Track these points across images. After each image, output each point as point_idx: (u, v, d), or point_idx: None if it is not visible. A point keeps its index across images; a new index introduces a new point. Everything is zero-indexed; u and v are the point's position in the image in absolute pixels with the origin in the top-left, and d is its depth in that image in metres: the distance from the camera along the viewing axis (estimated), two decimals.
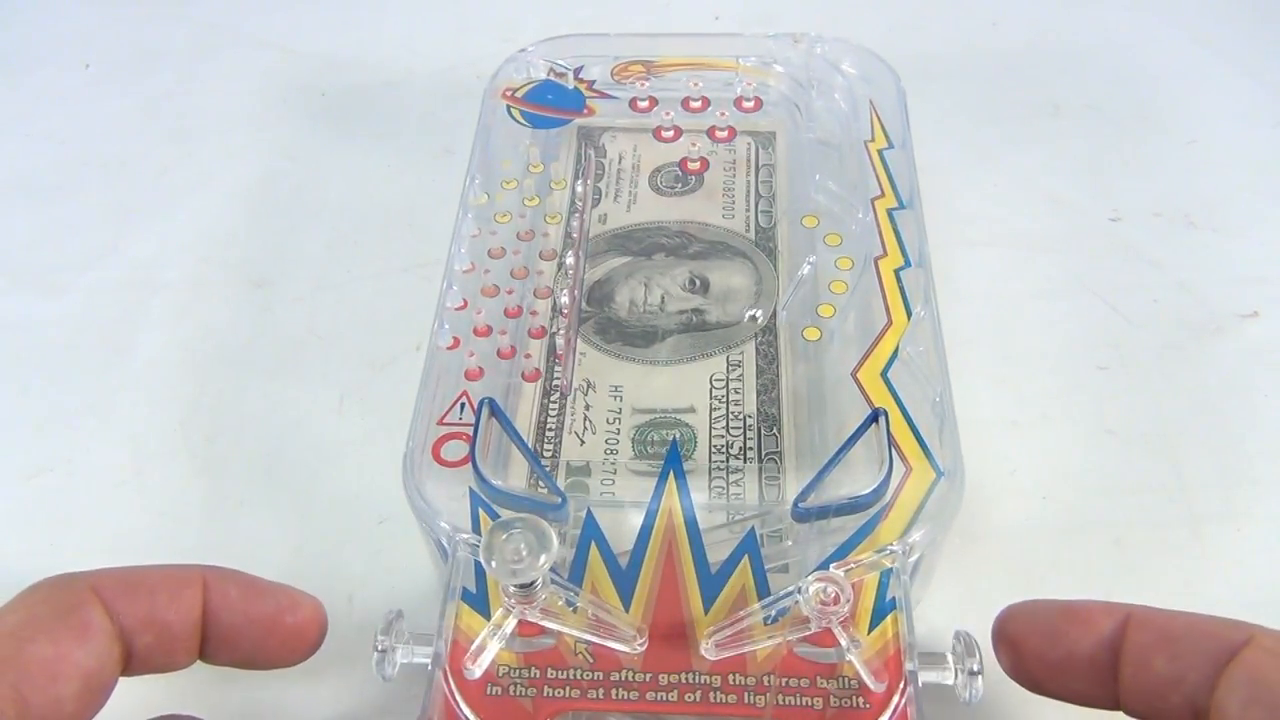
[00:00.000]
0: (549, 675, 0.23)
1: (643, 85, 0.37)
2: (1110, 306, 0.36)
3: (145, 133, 0.44)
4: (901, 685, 0.22)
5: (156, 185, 0.42)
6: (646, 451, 0.28)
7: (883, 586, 0.24)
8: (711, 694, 0.22)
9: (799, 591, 0.22)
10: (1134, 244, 0.38)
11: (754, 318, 0.29)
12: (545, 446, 0.28)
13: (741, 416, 0.28)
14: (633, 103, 0.37)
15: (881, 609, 0.23)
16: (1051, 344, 0.35)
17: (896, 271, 0.30)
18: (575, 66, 0.38)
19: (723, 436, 0.28)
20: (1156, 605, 0.21)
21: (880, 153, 0.34)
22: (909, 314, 0.29)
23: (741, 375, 0.29)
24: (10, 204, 0.42)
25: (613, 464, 0.27)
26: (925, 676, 0.22)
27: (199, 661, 0.22)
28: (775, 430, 0.28)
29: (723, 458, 0.27)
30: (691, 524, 0.25)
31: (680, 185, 0.35)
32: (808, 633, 0.23)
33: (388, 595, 0.29)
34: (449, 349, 0.29)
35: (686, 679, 0.23)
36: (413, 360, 0.31)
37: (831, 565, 0.24)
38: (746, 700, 0.22)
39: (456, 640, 0.23)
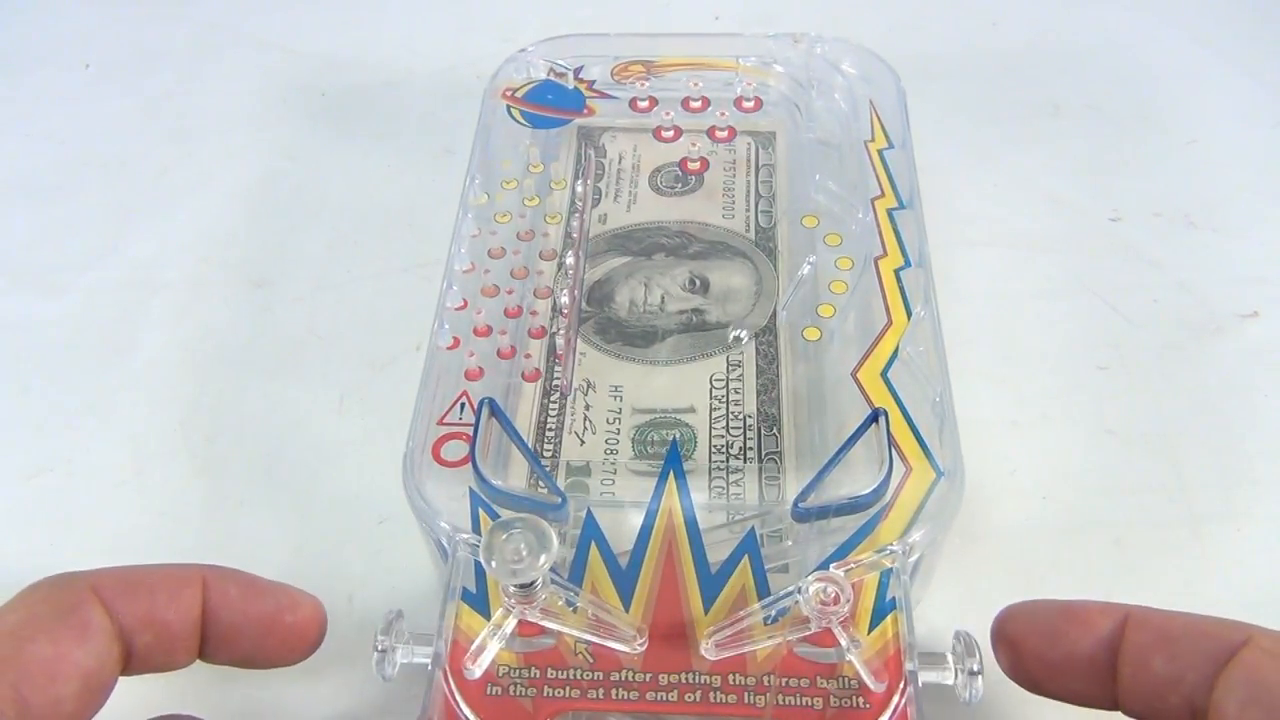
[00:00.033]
0: (549, 675, 0.23)
1: (643, 85, 0.37)
2: (1110, 306, 0.36)
3: (145, 133, 0.44)
4: (901, 685, 0.22)
5: (156, 185, 0.42)
6: (646, 451, 0.28)
7: (883, 586, 0.24)
8: (711, 694, 0.22)
9: (799, 591, 0.22)
10: (1134, 244, 0.38)
11: (739, 338, 0.29)
12: (545, 446, 0.28)
13: (741, 416, 0.28)
14: (633, 103, 0.37)
15: (881, 609, 0.23)
16: (1051, 344, 0.35)
17: (896, 271, 0.30)
18: (575, 66, 0.38)
19: (723, 436, 0.28)
20: (1156, 605, 0.21)
21: (880, 153, 0.34)
22: (909, 314, 0.29)
23: (741, 375, 0.29)
24: (10, 204, 0.42)
25: (613, 464, 0.27)
26: (925, 676, 0.22)
27: (199, 661, 0.22)
28: (775, 430, 0.28)
29: (723, 458, 0.27)
30: (691, 524, 0.25)
31: (680, 185, 0.35)
32: (808, 633, 0.23)
33: (388, 595, 0.29)
34: (449, 349, 0.29)
35: (686, 679, 0.23)
36: (413, 360, 0.31)
37: (831, 565, 0.24)
38: (746, 700, 0.22)
39: (456, 640, 0.23)
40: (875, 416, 0.26)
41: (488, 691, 0.23)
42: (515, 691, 0.23)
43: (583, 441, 0.28)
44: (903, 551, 0.24)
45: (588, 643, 0.23)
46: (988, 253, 0.38)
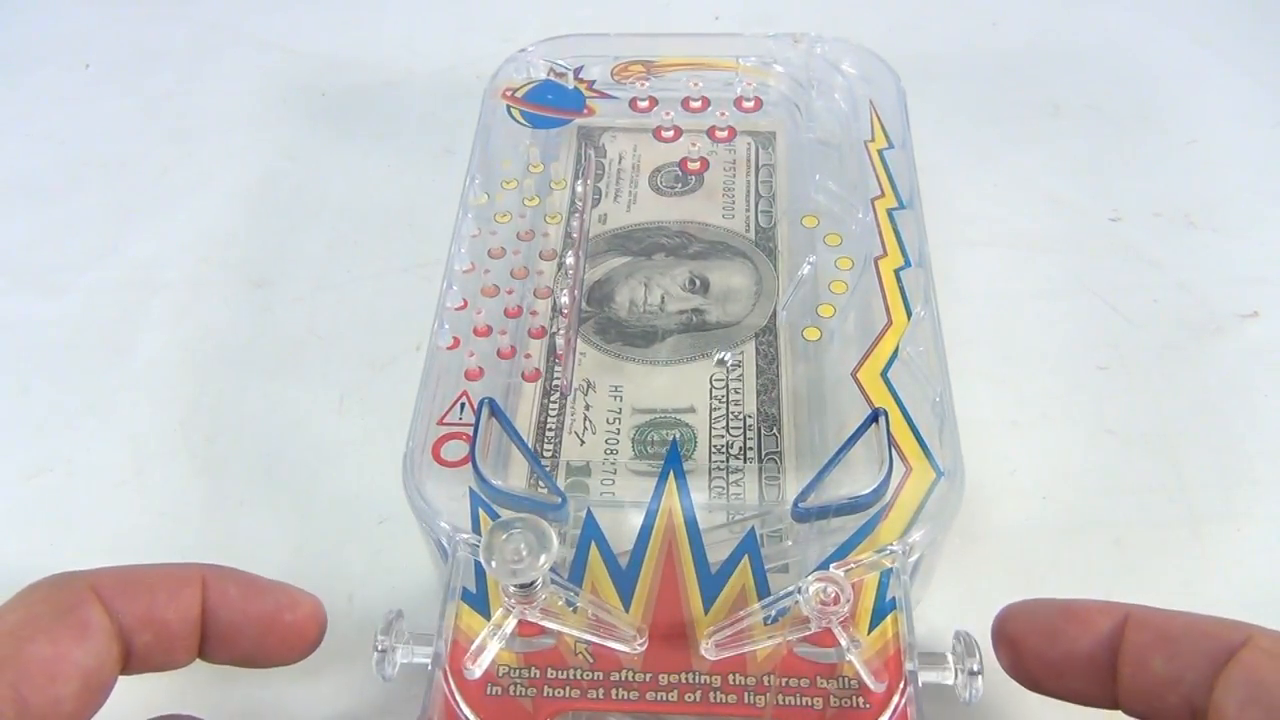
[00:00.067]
0: (549, 675, 0.23)
1: (643, 85, 0.37)
2: (1110, 306, 0.36)
3: (145, 133, 0.45)
4: (901, 685, 0.22)
5: (156, 185, 0.42)
6: (646, 451, 0.28)
7: (883, 586, 0.24)
8: (711, 694, 0.22)
9: (799, 591, 0.22)
10: (1134, 244, 0.38)
11: (722, 361, 0.29)
12: (545, 446, 0.28)
13: (741, 416, 0.28)
14: (633, 103, 0.37)
15: (881, 609, 0.23)
16: (1051, 344, 0.35)
17: (896, 271, 0.30)
18: (575, 66, 0.38)
19: (723, 436, 0.28)
20: (1156, 605, 0.21)
21: (880, 153, 0.34)
22: (909, 314, 0.29)
23: (741, 375, 0.29)
24: (10, 204, 0.42)
25: (613, 464, 0.27)
26: (925, 676, 0.22)
27: (199, 660, 0.22)
28: (775, 430, 0.28)
29: (723, 458, 0.27)
30: (691, 524, 0.25)
31: (680, 185, 0.35)
32: (808, 633, 0.23)
33: (388, 595, 0.29)
34: (449, 349, 0.29)
35: (686, 679, 0.23)
36: (413, 360, 0.31)
37: (831, 565, 0.24)
38: (746, 700, 0.22)
39: (456, 640, 0.23)
40: (875, 416, 0.26)
41: (488, 691, 0.23)
42: (515, 691, 0.23)
43: (583, 441, 0.28)
44: (903, 551, 0.24)
45: (588, 643, 0.23)
46: (988, 253, 0.38)
